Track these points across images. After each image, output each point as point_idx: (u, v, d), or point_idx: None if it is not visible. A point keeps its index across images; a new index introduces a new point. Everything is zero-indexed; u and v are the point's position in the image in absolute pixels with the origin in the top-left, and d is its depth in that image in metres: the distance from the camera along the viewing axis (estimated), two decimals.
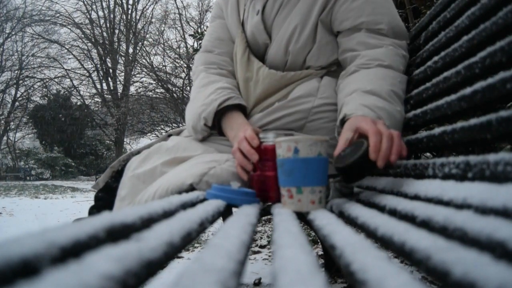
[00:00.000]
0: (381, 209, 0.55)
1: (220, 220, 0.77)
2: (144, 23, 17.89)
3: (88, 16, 18.74)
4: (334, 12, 1.03)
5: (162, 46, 12.01)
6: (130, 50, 17.42)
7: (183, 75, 10.53)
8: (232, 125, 1.01)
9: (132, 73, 15.80)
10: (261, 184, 0.80)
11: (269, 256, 1.95)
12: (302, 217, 0.63)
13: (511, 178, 0.41)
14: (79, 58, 19.12)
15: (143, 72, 12.51)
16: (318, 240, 1.87)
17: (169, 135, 1.25)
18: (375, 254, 0.28)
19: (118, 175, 1.12)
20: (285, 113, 1.02)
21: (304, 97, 1.03)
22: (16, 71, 20.22)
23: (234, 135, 0.97)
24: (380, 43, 0.99)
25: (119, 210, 0.99)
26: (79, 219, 1.12)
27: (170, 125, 11.65)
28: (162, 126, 12.06)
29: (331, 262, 1.49)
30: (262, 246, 2.19)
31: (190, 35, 6.21)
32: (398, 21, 1.04)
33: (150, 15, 17.83)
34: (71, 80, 19.38)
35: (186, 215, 0.43)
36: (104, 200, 1.13)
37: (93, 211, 1.14)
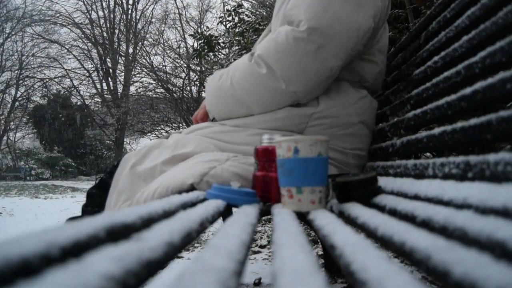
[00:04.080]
0: (381, 209, 0.55)
1: (220, 220, 0.77)
2: (144, 23, 17.87)
3: (88, 16, 18.73)
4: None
5: (162, 46, 12.00)
6: (130, 50, 17.41)
7: (183, 75, 10.53)
8: None
9: (132, 73, 15.79)
10: (264, 184, 0.80)
11: (269, 256, 1.95)
12: (302, 217, 0.63)
13: (511, 178, 0.41)
14: (79, 58, 19.12)
15: (143, 72, 12.51)
16: (318, 240, 1.87)
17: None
18: (375, 254, 0.28)
19: (114, 171, 1.11)
20: (286, 114, 1.02)
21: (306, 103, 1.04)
22: (16, 71, 20.20)
23: None
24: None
25: (115, 205, 0.98)
26: (73, 218, 1.11)
27: (170, 125, 11.64)
28: (162, 126, 12.06)
29: (331, 262, 1.49)
30: (262, 246, 2.19)
31: (190, 35, 6.21)
32: (311, 10, 0.95)
33: (150, 15, 17.82)
34: (71, 80, 19.37)
35: (186, 215, 0.43)
36: (98, 197, 1.11)
37: (87, 209, 1.12)
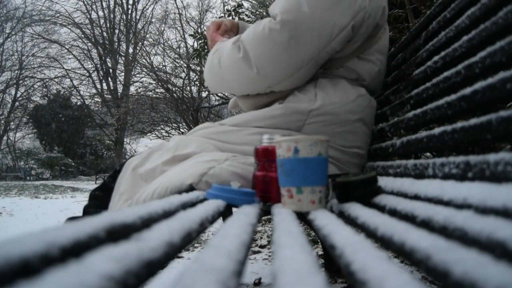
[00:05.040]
0: (381, 209, 0.55)
1: (220, 220, 0.77)
2: (144, 23, 17.89)
3: (88, 16, 18.73)
4: None
5: (162, 46, 12.00)
6: (130, 50, 17.41)
7: (183, 75, 10.53)
8: None
9: (132, 73, 15.79)
10: (264, 184, 0.80)
11: (269, 256, 1.95)
12: (302, 217, 0.63)
13: (511, 178, 0.41)
14: (79, 58, 19.12)
15: (143, 72, 12.51)
16: (318, 240, 1.87)
17: None
18: (375, 254, 0.28)
19: (117, 175, 1.12)
20: (284, 111, 1.03)
21: (304, 100, 1.04)
22: (16, 71, 20.21)
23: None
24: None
25: (116, 206, 0.99)
26: (72, 218, 1.11)
27: (170, 125, 11.65)
28: (162, 126, 12.07)
29: (331, 262, 1.49)
30: (262, 246, 2.19)
31: (190, 35, 6.23)
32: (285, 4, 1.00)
33: (150, 15, 17.84)
34: (71, 80, 19.38)
35: (186, 215, 0.43)
36: (100, 199, 1.12)
37: (89, 210, 1.13)
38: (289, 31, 0.98)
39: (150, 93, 11.80)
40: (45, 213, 4.68)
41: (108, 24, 18.52)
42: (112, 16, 18.58)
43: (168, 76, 10.47)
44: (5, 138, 21.02)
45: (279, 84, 1.07)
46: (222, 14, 4.87)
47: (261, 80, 1.05)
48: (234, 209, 0.70)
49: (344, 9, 1.01)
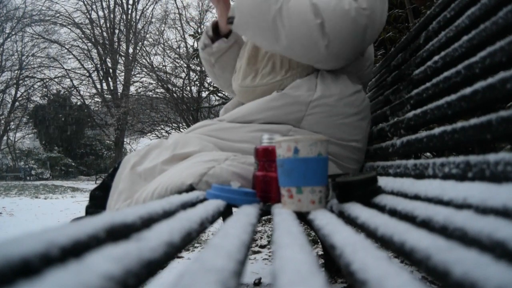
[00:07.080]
0: (381, 209, 0.55)
1: (220, 220, 0.77)
2: (144, 23, 17.87)
3: (88, 16, 18.71)
4: None
5: (162, 46, 12.00)
6: (130, 50, 17.40)
7: (183, 75, 10.53)
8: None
9: (132, 73, 15.78)
10: (264, 184, 0.80)
11: (269, 256, 1.95)
12: (302, 217, 0.63)
13: (511, 178, 0.41)
14: (79, 58, 19.09)
15: (143, 72, 12.51)
16: (318, 240, 1.87)
17: None
18: (375, 254, 0.28)
19: (115, 173, 1.12)
20: (284, 102, 1.03)
21: (303, 90, 1.05)
22: (16, 71, 20.18)
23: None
24: None
25: (115, 205, 0.99)
26: (78, 219, 1.11)
27: (170, 125, 11.64)
28: (162, 126, 12.06)
29: (331, 262, 1.49)
30: (262, 246, 2.19)
31: (190, 35, 6.24)
32: None
33: (150, 15, 17.83)
34: (71, 80, 19.34)
35: (186, 215, 0.43)
36: (101, 198, 1.12)
37: (91, 210, 1.13)
38: (369, 19, 1.01)
39: (150, 93, 11.79)
40: (45, 213, 4.68)
41: (108, 24, 18.50)
42: (112, 16, 18.55)
43: (168, 76, 10.47)
44: (5, 138, 21.00)
45: (329, 63, 1.07)
46: None
47: (323, 53, 1.02)
48: (234, 209, 0.70)
49: (385, 6, 1.09)
